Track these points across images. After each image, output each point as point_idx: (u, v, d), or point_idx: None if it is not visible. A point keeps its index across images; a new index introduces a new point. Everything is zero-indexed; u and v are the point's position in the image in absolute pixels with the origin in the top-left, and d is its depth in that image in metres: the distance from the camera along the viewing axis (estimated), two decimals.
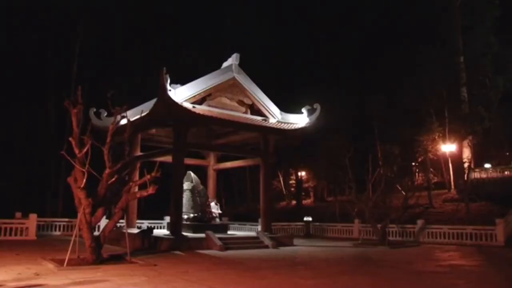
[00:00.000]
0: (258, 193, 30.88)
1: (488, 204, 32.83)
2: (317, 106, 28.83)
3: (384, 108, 43.66)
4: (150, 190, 16.94)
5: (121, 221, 18.92)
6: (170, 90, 23.42)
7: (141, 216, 32.74)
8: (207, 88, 26.14)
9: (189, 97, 25.13)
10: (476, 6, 42.60)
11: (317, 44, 54.30)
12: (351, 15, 51.17)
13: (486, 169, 40.49)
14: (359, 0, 51.52)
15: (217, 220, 28.47)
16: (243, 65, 27.76)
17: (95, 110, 28.79)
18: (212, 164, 32.71)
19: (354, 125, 46.07)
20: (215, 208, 28.54)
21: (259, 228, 28.92)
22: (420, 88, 40.44)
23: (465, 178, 37.83)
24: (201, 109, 25.26)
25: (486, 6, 42.04)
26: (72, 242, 16.00)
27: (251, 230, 32.81)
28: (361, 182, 31.81)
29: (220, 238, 23.76)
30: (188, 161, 29.68)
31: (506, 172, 38.73)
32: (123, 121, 18.78)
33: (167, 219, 30.25)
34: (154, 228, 27.86)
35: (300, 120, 29.02)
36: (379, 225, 28.73)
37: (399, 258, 20.84)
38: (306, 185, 54.97)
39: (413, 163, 43.86)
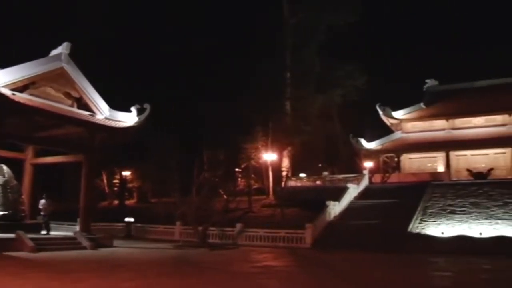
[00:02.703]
0: (79, 191, 29.23)
1: (301, 210, 35.46)
2: (147, 106, 28.46)
3: (215, 114, 44.87)
4: None
5: None
6: None
7: None
8: (31, 76, 24.00)
9: (8, 82, 22.80)
10: (305, 28, 46.31)
11: (161, 49, 53.82)
12: (197, 24, 51.85)
13: (301, 178, 43.98)
14: (204, 12, 52.47)
15: (44, 218, 26.27)
16: (76, 57, 26.22)
17: None
18: (30, 158, 29.91)
19: (184, 128, 46.49)
20: (46, 205, 26.25)
21: (77, 228, 27.48)
22: (250, 99, 42.47)
23: (283, 185, 40.60)
24: (21, 97, 23.17)
25: (313, 30, 45.96)
26: None
27: (69, 230, 30.95)
28: (186, 185, 32.17)
29: (32, 239, 22.02)
30: (2, 153, 27.01)
31: (317, 182, 42.45)
32: None
33: None
34: None
35: (129, 118, 28.35)
36: (200, 228, 29.32)
37: (218, 260, 21.49)
38: (131, 185, 53.71)
39: (237, 169, 45.72)
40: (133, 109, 28.54)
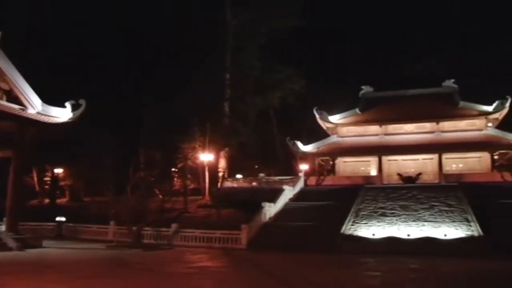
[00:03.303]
0: (6, 188, 27.92)
1: (237, 211, 35.66)
2: (82, 102, 27.65)
3: (153, 114, 44.34)
4: None
5: None
6: None
7: None
8: None
9: None
10: (247, 30, 46.60)
11: (100, 46, 52.50)
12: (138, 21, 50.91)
13: (238, 179, 44.18)
14: (146, 9, 51.62)
15: None
16: (7, 47, 25.05)
17: None
18: None
19: (121, 127, 45.58)
20: None
21: (3, 228, 26.26)
22: (189, 99, 42.22)
23: (219, 186, 40.66)
24: None
25: (254, 32, 46.35)
26: None
27: None
28: (121, 184, 31.55)
29: None
30: None
31: (254, 183, 42.78)
32: None
33: None
34: None
35: (62, 114, 27.41)
36: (134, 228, 28.82)
37: (152, 261, 21.25)
38: (63, 183, 51.91)
39: (174, 169, 45.32)
40: (67, 104, 27.63)
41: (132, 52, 50.23)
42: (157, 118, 44.34)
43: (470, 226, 26.50)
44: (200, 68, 42.33)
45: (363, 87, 54.47)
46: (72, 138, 35.36)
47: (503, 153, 42.54)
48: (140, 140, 46.42)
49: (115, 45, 51.89)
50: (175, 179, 47.03)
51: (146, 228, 30.18)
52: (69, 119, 27.28)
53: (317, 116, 48.19)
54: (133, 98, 45.53)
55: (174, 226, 31.04)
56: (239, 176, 45.48)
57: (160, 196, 34.46)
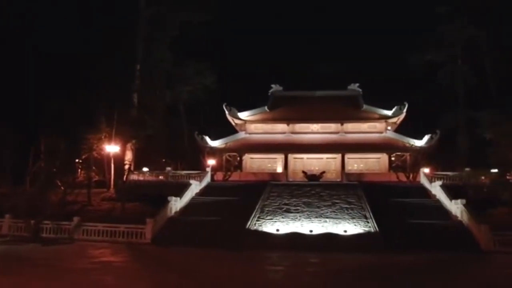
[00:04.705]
0: None
1: (143, 204, 35.14)
2: None
3: (57, 102, 42.35)
4: None
5: None
6: None
7: None
8: None
9: None
10: (159, 21, 45.94)
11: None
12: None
13: (144, 173, 43.50)
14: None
15: None
16: None
17: None
18: None
19: (21, 114, 43.15)
20: None
21: None
22: (96, 88, 40.89)
23: (124, 179, 39.79)
24: None
25: (167, 24, 45.81)
26: None
27: None
28: (19, 175, 29.98)
29: None
30: None
31: (160, 177, 42.39)
32: None
33: None
34: None
35: None
36: (32, 221, 27.55)
37: (51, 256, 20.56)
38: None
39: (77, 160, 43.66)
40: None
41: (40, 37, 47.60)
42: (60, 106, 42.38)
43: (368, 222, 28.27)
44: (110, 57, 41.06)
45: (272, 85, 55.80)
46: None
47: (399, 155, 45.80)
48: (39, 128, 44.16)
49: (21, 31, 48.86)
50: (79, 170, 45.31)
51: (46, 222, 28.92)
52: None
53: (226, 112, 48.72)
54: (35, 85, 43.26)
55: (76, 219, 29.98)
56: (145, 169, 44.79)
57: (62, 188, 33.11)
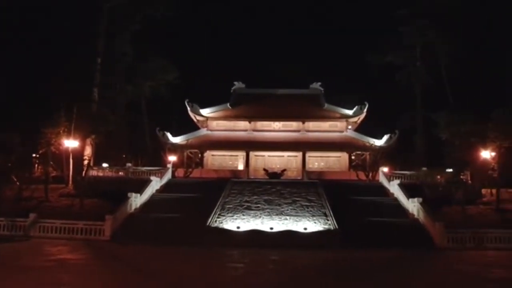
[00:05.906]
0: None
1: (102, 201, 34.63)
2: None
3: (11, 93, 41.24)
4: None
5: None
6: None
7: None
8: None
9: None
10: (121, 15, 45.23)
11: None
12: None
13: (104, 168, 42.82)
14: None
15: None
16: None
17: None
18: None
19: None
20: None
21: None
22: (56, 81, 39.98)
23: (83, 174, 39.08)
24: None
25: (129, 18, 45.16)
26: None
27: None
28: None
29: None
30: None
31: (120, 173, 41.81)
32: None
33: None
34: None
35: None
36: None
37: (5, 254, 20.13)
38: None
39: (34, 155, 42.59)
40: None
41: None
42: (15, 98, 41.22)
43: (327, 220, 28.73)
44: (70, 50, 40.22)
45: (235, 82, 55.84)
46: None
47: (359, 154, 46.71)
48: None
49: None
50: (36, 165, 44.22)
51: (0, 218, 28.17)
52: None
53: (188, 108, 48.50)
54: None
55: (32, 216, 29.28)
56: (105, 165, 44.06)
57: (18, 184, 32.29)
